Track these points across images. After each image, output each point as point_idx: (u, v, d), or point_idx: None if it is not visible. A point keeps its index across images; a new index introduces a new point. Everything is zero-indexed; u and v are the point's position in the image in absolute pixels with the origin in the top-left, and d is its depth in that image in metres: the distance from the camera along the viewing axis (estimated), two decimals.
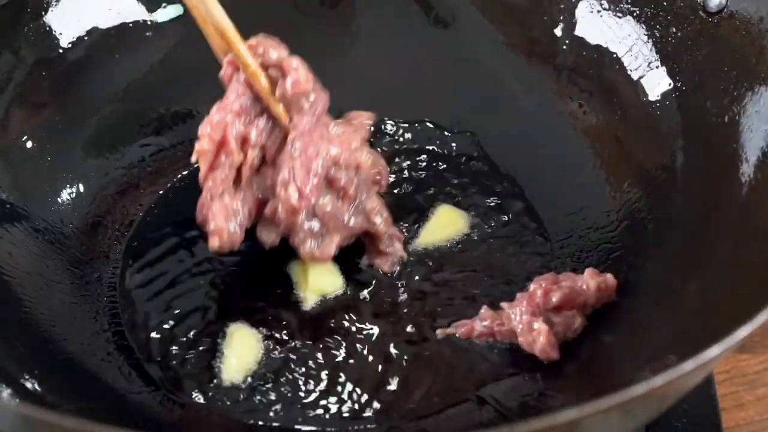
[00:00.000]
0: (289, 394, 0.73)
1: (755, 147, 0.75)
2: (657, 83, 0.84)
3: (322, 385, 0.74)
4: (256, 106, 0.77)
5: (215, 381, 0.74)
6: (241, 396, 0.73)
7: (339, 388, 0.74)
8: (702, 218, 0.76)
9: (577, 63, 0.89)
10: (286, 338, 0.77)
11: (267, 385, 0.74)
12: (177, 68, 0.92)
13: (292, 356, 0.75)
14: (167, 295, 0.80)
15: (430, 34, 0.95)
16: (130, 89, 0.91)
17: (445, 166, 0.90)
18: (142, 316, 0.78)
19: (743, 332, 0.56)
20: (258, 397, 0.73)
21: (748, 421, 0.78)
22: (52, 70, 0.87)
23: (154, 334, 0.77)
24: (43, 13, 0.88)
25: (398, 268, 0.82)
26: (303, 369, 0.75)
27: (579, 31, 0.89)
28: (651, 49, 0.85)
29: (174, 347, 0.76)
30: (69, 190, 0.86)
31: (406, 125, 0.93)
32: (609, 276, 0.76)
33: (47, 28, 0.88)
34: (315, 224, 0.77)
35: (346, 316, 0.78)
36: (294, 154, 0.76)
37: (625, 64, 0.86)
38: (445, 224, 0.85)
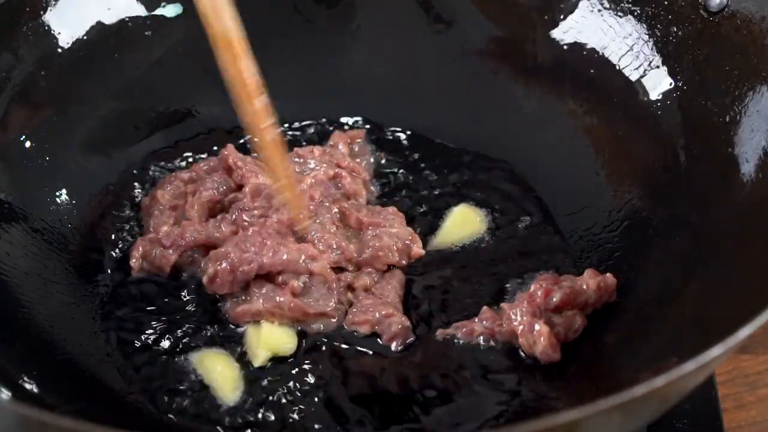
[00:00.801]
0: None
1: (756, 146, 0.75)
2: (658, 83, 0.84)
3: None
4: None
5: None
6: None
7: None
8: (703, 218, 0.76)
9: (577, 62, 0.89)
10: None
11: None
12: (177, 67, 0.92)
13: None
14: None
15: (430, 34, 0.95)
16: (129, 89, 0.91)
17: (444, 166, 0.90)
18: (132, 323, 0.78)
19: (744, 333, 0.56)
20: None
21: (749, 421, 0.78)
22: (51, 69, 0.87)
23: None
24: (41, 12, 0.87)
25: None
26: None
27: (580, 31, 0.89)
28: (652, 49, 0.85)
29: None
30: (68, 190, 0.85)
31: (407, 126, 0.93)
32: (608, 275, 0.76)
33: (46, 28, 0.88)
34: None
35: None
36: (232, 245, 0.77)
37: (626, 64, 0.86)
38: (463, 224, 0.85)
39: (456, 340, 0.76)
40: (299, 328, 0.77)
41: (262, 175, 0.83)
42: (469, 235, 0.84)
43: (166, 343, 0.76)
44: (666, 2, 0.84)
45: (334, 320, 0.77)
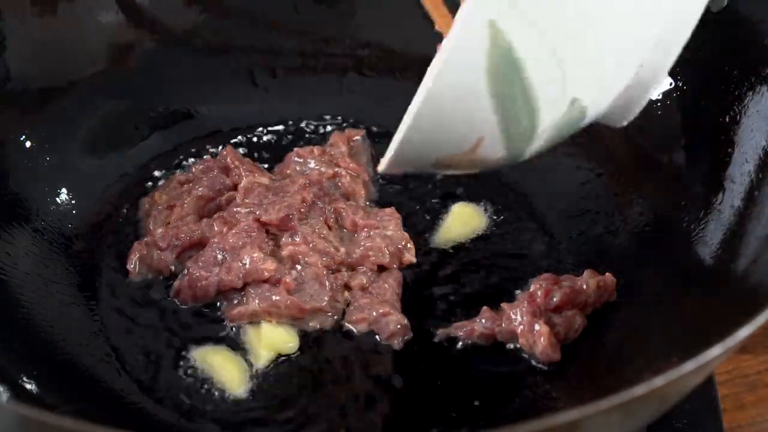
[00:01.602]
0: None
1: (756, 146, 0.75)
2: None
3: None
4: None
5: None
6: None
7: None
8: (703, 217, 0.76)
9: None
10: None
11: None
12: (177, 68, 0.92)
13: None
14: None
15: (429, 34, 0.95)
16: (129, 88, 0.91)
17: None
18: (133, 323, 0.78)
19: (744, 333, 0.56)
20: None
21: (749, 422, 0.78)
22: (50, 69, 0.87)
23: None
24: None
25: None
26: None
27: None
28: None
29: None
30: (68, 191, 0.85)
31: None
32: (608, 275, 0.76)
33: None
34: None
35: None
36: (192, 260, 0.78)
37: None
38: (463, 223, 0.85)
39: (456, 340, 0.76)
40: (296, 328, 0.77)
41: (259, 175, 0.84)
42: (469, 234, 0.84)
43: (166, 343, 0.76)
44: None
45: (329, 316, 0.77)
